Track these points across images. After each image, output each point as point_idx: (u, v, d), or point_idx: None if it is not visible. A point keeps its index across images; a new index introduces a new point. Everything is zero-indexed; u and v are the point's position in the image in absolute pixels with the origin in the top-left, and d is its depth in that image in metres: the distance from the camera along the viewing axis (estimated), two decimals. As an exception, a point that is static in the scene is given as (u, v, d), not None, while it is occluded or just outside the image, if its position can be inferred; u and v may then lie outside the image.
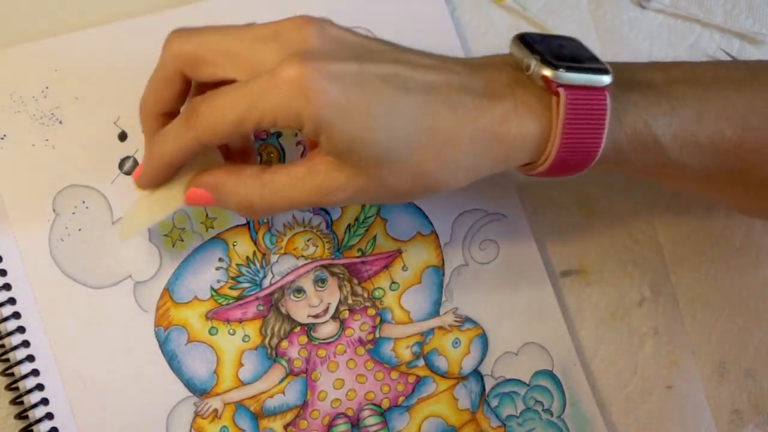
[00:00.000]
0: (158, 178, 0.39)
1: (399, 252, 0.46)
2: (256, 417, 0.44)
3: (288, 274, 0.44)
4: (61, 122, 0.43)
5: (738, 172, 0.39)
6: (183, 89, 0.38)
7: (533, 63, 0.36)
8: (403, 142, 0.35)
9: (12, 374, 0.41)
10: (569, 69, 0.35)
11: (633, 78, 0.38)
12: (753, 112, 0.38)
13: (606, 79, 0.36)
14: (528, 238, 0.47)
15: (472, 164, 0.36)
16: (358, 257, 0.45)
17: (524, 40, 0.37)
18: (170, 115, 0.38)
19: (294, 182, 0.36)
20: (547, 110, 0.36)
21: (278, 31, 0.35)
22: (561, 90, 0.35)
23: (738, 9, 0.53)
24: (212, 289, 0.44)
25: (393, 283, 0.46)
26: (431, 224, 0.46)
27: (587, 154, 0.37)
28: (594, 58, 0.37)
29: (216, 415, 0.43)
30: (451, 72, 0.36)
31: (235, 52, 0.36)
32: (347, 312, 0.45)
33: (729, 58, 0.52)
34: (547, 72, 0.35)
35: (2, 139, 0.43)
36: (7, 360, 0.41)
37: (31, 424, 0.41)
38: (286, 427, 0.44)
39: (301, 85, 0.33)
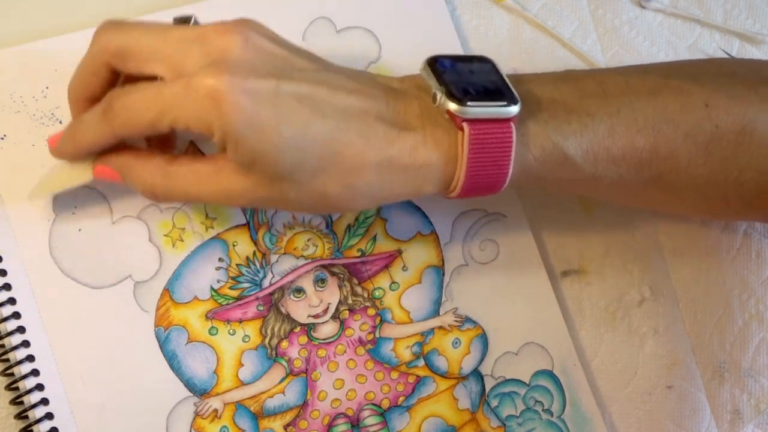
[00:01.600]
0: (72, 158, 0.40)
1: (399, 252, 0.46)
2: (256, 417, 0.44)
3: (288, 274, 0.44)
4: (61, 122, 0.43)
5: (654, 180, 0.40)
6: (110, 78, 0.38)
7: (439, 95, 0.37)
8: (309, 164, 0.36)
9: (12, 374, 0.41)
10: (474, 103, 0.36)
11: (542, 95, 0.39)
12: (664, 121, 0.39)
13: (513, 110, 0.37)
14: (528, 238, 0.47)
15: (376, 192, 0.37)
16: (358, 257, 0.45)
17: (434, 66, 0.38)
18: (96, 100, 0.38)
19: (197, 179, 0.37)
20: (454, 143, 0.37)
21: (203, 35, 0.36)
22: (465, 125, 0.36)
23: (738, 9, 0.52)
24: (212, 289, 0.44)
25: (393, 283, 0.46)
26: (431, 224, 0.46)
27: (495, 181, 0.38)
28: (503, 85, 0.38)
29: (216, 415, 0.43)
30: (369, 98, 0.37)
31: (159, 50, 0.36)
32: (347, 312, 0.45)
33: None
34: (452, 106, 0.36)
35: (2, 139, 0.43)
36: (7, 360, 0.41)
37: (31, 424, 0.41)
38: (286, 427, 0.44)
39: (215, 97, 0.34)
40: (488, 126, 0.36)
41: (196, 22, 0.39)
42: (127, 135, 0.37)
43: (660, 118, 0.39)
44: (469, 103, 0.36)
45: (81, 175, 0.40)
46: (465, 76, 0.38)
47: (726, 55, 0.52)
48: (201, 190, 0.37)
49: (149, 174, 0.38)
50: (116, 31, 0.37)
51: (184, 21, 0.39)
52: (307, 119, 0.35)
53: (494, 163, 0.37)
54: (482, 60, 0.39)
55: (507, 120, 0.37)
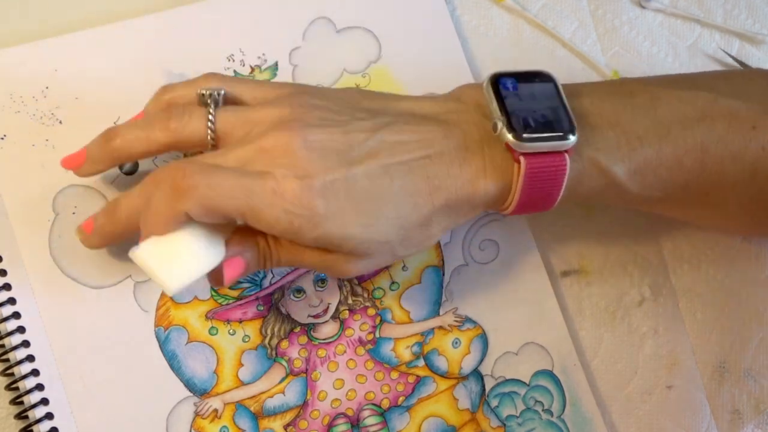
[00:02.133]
0: (114, 241, 0.40)
1: (399, 252, 0.46)
2: (256, 417, 0.44)
3: (288, 274, 0.44)
4: (61, 122, 0.43)
5: (701, 198, 0.41)
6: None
7: (499, 125, 0.37)
8: (395, 227, 0.37)
9: (12, 374, 0.41)
10: (532, 137, 0.37)
11: (597, 114, 0.39)
12: (711, 142, 0.39)
13: (569, 142, 0.37)
14: (528, 238, 0.47)
15: (446, 225, 0.39)
16: (358, 257, 0.45)
17: (496, 87, 0.38)
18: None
19: (303, 251, 0.38)
20: (510, 168, 0.38)
21: (266, 148, 0.36)
22: (522, 158, 0.37)
23: (738, 9, 0.53)
24: (212, 289, 0.44)
25: (393, 283, 0.46)
26: (431, 224, 0.46)
27: (545, 204, 0.39)
28: (563, 113, 0.38)
29: (216, 415, 0.43)
30: (425, 144, 0.38)
31: (236, 197, 0.35)
32: (347, 312, 0.45)
33: (729, 58, 0.52)
34: (511, 140, 0.37)
35: (2, 139, 0.43)
36: (7, 360, 0.41)
37: (31, 424, 0.41)
38: (286, 427, 0.44)
39: (304, 203, 0.35)
40: (544, 159, 0.37)
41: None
42: (203, 218, 0.36)
43: (708, 139, 0.39)
44: (527, 137, 0.37)
45: (213, 259, 0.37)
46: (526, 102, 0.38)
47: (726, 55, 0.52)
48: (304, 260, 0.38)
49: (264, 242, 0.38)
50: (192, 194, 0.35)
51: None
52: (380, 190, 0.36)
53: (547, 192, 0.39)
54: (544, 78, 0.40)
55: (562, 152, 0.38)
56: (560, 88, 0.39)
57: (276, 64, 0.46)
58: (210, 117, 0.37)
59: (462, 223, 0.41)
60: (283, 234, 0.36)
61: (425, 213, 0.37)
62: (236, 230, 0.38)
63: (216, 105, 0.38)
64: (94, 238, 0.40)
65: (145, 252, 0.36)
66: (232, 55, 0.46)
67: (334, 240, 0.36)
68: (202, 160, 0.36)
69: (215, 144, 0.38)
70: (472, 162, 0.38)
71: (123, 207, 0.38)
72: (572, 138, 0.37)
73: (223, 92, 0.38)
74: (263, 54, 0.46)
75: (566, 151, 0.38)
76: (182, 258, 0.36)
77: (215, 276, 0.38)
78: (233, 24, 0.46)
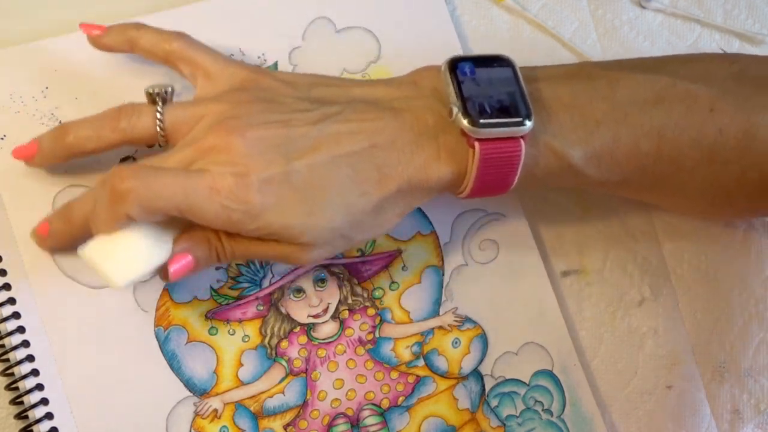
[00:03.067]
0: (69, 245, 0.40)
1: (399, 252, 0.46)
2: (255, 417, 0.44)
3: (288, 273, 0.44)
4: (61, 122, 0.43)
5: (658, 182, 0.41)
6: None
7: (455, 110, 0.38)
8: (341, 215, 0.37)
9: (12, 374, 0.41)
10: (487, 123, 0.37)
11: (555, 98, 0.40)
12: (669, 126, 0.39)
13: (525, 128, 0.38)
14: (528, 238, 0.47)
15: (399, 211, 0.40)
16: (357, 257, 0.45)
17: (454, 72, 0.39)
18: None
19: (256, 243, 0.38)
20: (464, 154, 0.38)
21: (206, 149, 0.37)
22: (477, 144, 0.37)
23: (738, 9, 0.52)
24: (212, 288, 0.44)
25: (393, 282, 0.46)
26: (431, 224, 0.46)
27: (500, 188, 0.40)
28: (520, 98, 0.38)
29: (216, 415, 0.43)
30: (374, 133, 0.38)
31: (177, 192, 0.36)
32: (347, 312, 0.45)
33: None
34: (466, 125, 0.37)
35: (2, 139, 0.43)
36: (7, 360, 0.41)
37: (30, 424, 0.41)
38: (285, 427, 0.44)
39: (240, 197, 0.36)
40: (499, 144, 0.38)
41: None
42: (143, 218, 0.36)
43: (665, 123, 0.39)
44: (482, 122, 0.37)
45: (158, 255, 0.38)
46: (483, 88, 0.38)
47: (726, 55, 0.52)
48: (258, 252, 0.39)
49: (215, 237, 0.38)
50: (129, 197, 0.36)
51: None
52: (324, 181, 0.37)
53: (502, 176, 0.39)
54: (503, 63, 0.40)
55: (517, 138, 0.38)
56: (518, 73, 0.39)
57: (276, 64, 0.46)
58: (158, 115, 0.39)
59: (417, 206, 0.41)
60: (225, 227, 0.37)
61: (375, 201, 0.38)
62: (187, 228, 0.39)
63: (164, 102, 0.39)
64: (49, 241, 0.41)
65: (91, 249, 0.37)
66: (232, 55, 0.46)
67: (275, 230, 0.37)
68: (145, 162, 0.38)
69: (166, 140, 0.39)
70: (425, 148, 0.38)
71: (75, 210, 0.39)
72: (528, 124, 0.37)
73: (170, 89, 0.40)
74: (263, 54, 0.46)
75: (522, 137, 0.38)
76: (127, 254, 0.37)
77: (163, 270, 0.38)
78: (233, 24, 0.46)
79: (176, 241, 0.38)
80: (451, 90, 0.38)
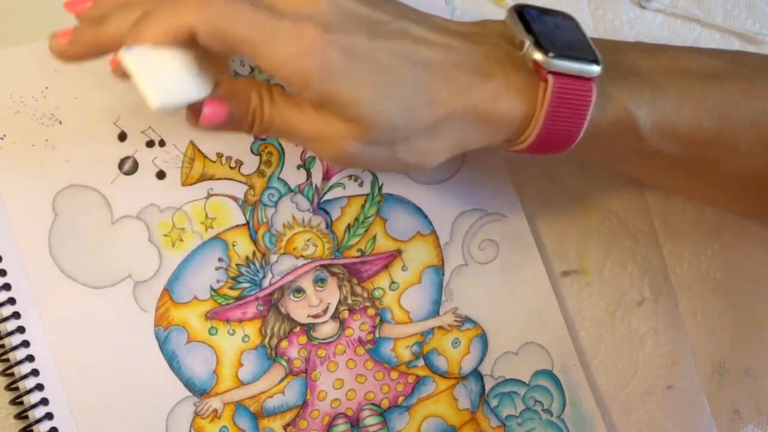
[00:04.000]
0: (88, 56, 0.36)
1: (399, 252, 0.46)
2: (255, 417, 0.44)
3: (288, 274, 0.44)
4: (61, 122, 0.43)
5: (712, 163, 0.40)
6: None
7: (527, 43, 0.36)
8: (406, 113, 0.35)
9: (12, 374, 0.41)
10: (561, 56, 0.36)
11: (620, 63, 0.39)
12: (731, 104, 0.39)
13: (595, 69, 0.36)
14: (528, 238, 0.47)
15: (458, 139, 0.37)
16: (357, 257, 0.45)
17: (521, 14, 0.38)
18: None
19: (297, 115, 0.36)
20: (534, 93, 0.36)
21: (286, 5, 0.34)
22: (550, 77, 0.36)
23: (738, 9, 0.52)
24: (212, 289, 0.44)
25: (393, 283, 0.46)
26: (431, 224, 0.46)
27: (566, 139, 0.38)
28: (586, 44, 0.38)
29: (216, 415, 0.43)
30: (449, 49, 0.36)
31: (254, 37, 0.34)
32: (347, 312, 0.45)
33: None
34: (539, 57, 0.36)
35: (2, 139, 0.43)
36: (7, 360, 0.41)
37: (30, 424, 0.41)
38: (285, 427, 0.44)
39: (320, 50, 0.33)
40: (571, 81, 0.36)
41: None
42: (208, 36, 0.33)
43: (727, 101, 0.39)
44: (555, 56, 0.36)
45: (200, 86, 0.35)
46: (551, 29, 0.37)
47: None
48: (298, 127, 0.36)
49: (257, 99, 0.36)
50: (207, 9, 0.33)
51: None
52: (400, 71, 0.35)
53: (571, 120, 0.37)
54: (566, 17, 0.39)
55: (589, 79, 0.36)
56: (581, 26, 0.39)
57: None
58: None
59: (470, 147, 0.38)
60: (287, 79, 0.34)
61: (439, 115, 0.36)
62: (231, 80, 0.37)
63: None
64: (69, 47, 0.36)
65: (136, 57, 0.33)
66: (233, 60, 0.46)
67: (342, 99, 0.34)
68: None
69: None
70: (495, 78, 0.36)
71: (114, 18, 0.35)
72: (597, 68, 0.36)
73: None
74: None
75: (592, 79, 0.36)
76: (171, 75, 0.34)
77: (194, 111, 0.36)
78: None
79: (217, 85, 0.36)
80: (520, 26, 0.37)
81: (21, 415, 0.41)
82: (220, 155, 0.44)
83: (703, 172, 0.41)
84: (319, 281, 0.45)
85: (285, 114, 0.36)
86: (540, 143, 0.37)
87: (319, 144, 0.36)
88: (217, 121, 0.36)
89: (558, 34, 0.37)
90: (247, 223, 0.44)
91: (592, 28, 0.51)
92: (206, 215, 0.44)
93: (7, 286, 0.41)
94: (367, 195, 0.46)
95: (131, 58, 0.33)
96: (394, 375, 0.45)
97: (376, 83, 0.34)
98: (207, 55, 0.35)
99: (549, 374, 0.47)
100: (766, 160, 0.40)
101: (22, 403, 0.41)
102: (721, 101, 0.39)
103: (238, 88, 0.36)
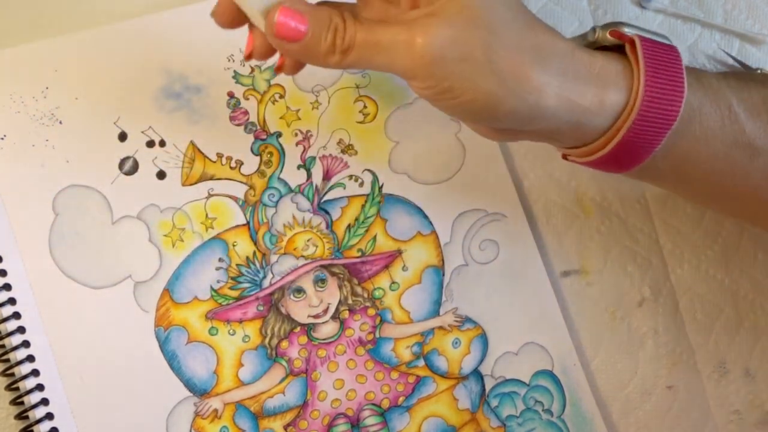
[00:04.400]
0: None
1: (399, 252, 0.46)
2: (256, 417, 0.43)
3: (288, 274, 0.44)
4: (61, 122, 0.43)
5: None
6: None
7: (598, 29, 0.36)
8: (509, 37, 0.33)
9: (12, 374, 0.41)
10: (632, 25, 0.36)
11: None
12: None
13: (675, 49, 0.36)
14: (528, 238, 0.47)
15: (559, 95, 0.34)
16: (358, 257, 0.45)
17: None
18: None
19: (383, 28, 0.34)
20: (627, 67, 0.35)
21: None
22: (636, 38, 0.35)
23: (738, 9, 0.52)
24: (212, 289, 0.44)
25: (393, 283, 0.46)
26: (431, 224, 0.46)
27: (672, 100, 0.35)
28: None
29: (216, 415, 0.43)
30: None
31: None
32: (347, 312, 0.45)
33: (729, 59, 0.52)
34: (616, 26, 0.36)
35: (2, 139, 0.43)
36: (8, 360, 0.41)
37: (31, 424, 0.41)
38: (286, 427, 0.44)
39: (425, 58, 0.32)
40: (657, 45, 0.36)
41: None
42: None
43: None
44: (626, 27, 0.36)
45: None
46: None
47: (726, 56, 0.52)
48: (383, 37, 0.34)
49: (339, 16, 0.34)
50: None
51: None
52: (505, 14, 0.33)
53: (671, 80, 0.35)
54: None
55: (672, 46, 0.36)
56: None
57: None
58: None
59: (556, 125, 0.35)
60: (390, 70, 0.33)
61: (547, 53, 0.34)
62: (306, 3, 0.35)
63: None
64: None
65: None
66: (232, 55, 0.46)
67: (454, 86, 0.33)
68: None
69: None
70: (586, 54, 0.35)
71: None
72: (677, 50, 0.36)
73: None
74: (263, 54, 0.46)
75: (674, 47, 0.36)
76: None
77: (271, 24, 0.34)
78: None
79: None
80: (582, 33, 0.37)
81: (21, 416, 0.41)
82: (220, 155, 0.44)
83: None
84: (320, 281, 0.45)
85: (368, 27, 0.34)
86: (647, 112, 0.35)
87: (408, 52, 0.33)
88: (292, 36, 0.33)
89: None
90: (248, 223, 0.44)
91: (592, 28, 0.51)
92: (206, 215, 0.44)
93: (7, 287, 0.41)
94: (368, 195, 0.46)
95: None
96: (395, 375, 0.45)
97: (477, 26, 0.32)
98: None
99: (549, 374, 0.47)
100: None
101: (22, 403, 0.41)
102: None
103: (315, 7, 0.34)
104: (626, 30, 0.36)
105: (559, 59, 0.34)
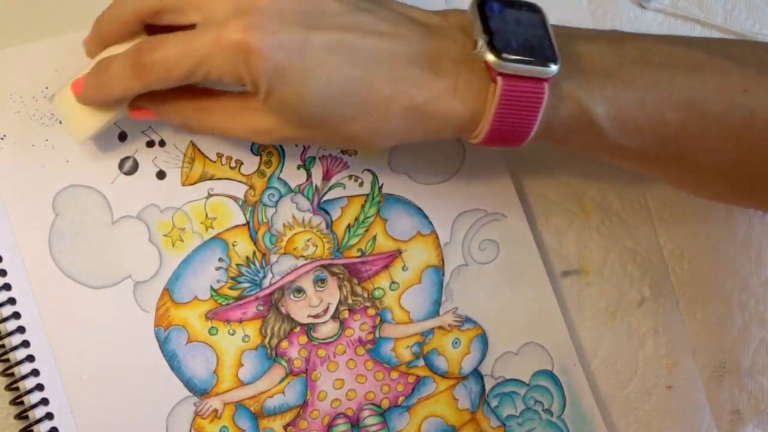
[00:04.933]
0: (101, 106, 0.40)
1: (399, 252, 0.46)
2: (256, 417, 0.44)
3: (288, 274, 0.44)
4: (61, 122, 0.43)
5: (679, 157, 0.39)
6: (139, 29, 0.39)
7: (480, 42, 0.36)
8: (338, 112, 0.36)
9: (12, 374, 0.41)
10: (515, 57, 0.36)
11: (584, 54, 0.38)
12: (699, 99, 0.38)
13: (551, 70, 0.36)
14: (528, 238, 0.47)
15: (400, 135, 0.38)
16: (357, 257, 0.45)
17: (482, 9, 0.37)
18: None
19: (229, 114, 0.39)
20: (484, 93, 0.36)
21: None
22: (499, 78, 0.36)
23: (738, 9, 0.52)
24: (212, 289, 0.44)
25: (393, 283, 0.46)
26: (431, 224, 0.46)
27: (518, 136, 0.37)
28: (547, 42, 0.37)
29: (216, 415, 0.43)
30: (401, 40, 0.36)
31: (192, 3, 0.36)
32: (347, 312, 0.45)
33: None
34: (490, 58, 0.36)
35: (2, 139, 0.43)
36: (7, 360, 0.41)
37: (31, 424, 0.41)
38: (286, 427, 0.44)
39: (244, 51, 0.34)
40: (522, 83, 0.36)
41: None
42: (160, 87, 0.37)
43: (695, 96, 0.38)
44: (507, 56, 0.35)
45: (115, 112, 0.40)
46: (511, 26, 0.37)
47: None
48: (232, 125, 0.39)
49: (182, 108, 0.39)
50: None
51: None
52: (336, 69, 0.35)
53: (521, 120, 0.37)
54: (532, 9, 0.38)
55: (542, 80, 0.36)
56: (547, 20, 0.38)
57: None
58: None
59: (411, 141, 0.39)
60: (229, 82, 0.36)
61: (378, 112, 0.36)
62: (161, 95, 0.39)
63: None
64: (82, 100, 0.40)
65: (60, 99, 0.40)
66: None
67: (273, 96, 0.36)
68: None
69: None
70: (443, 77, 0.36)
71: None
72: (554, 67, 0.36)
73: None
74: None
75: (546, 80, 0.36)
76: (90, 110, 0.39)
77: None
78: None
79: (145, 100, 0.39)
80: (478, 23, 0.36)
81: (21, 415, 0.41)
82: (220, 155, 0.44)
83: (671, 163, 0.40)
84: (320, 281, 0.45)
85: (216, 121, 0.39)
86: (491, 140, 0.37)
87: (261, 137, 0.39)
88: (146, 118, 0.40)
89: (517, 31, 0.37)
90: (248, 223, 0.44)
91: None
92: (206, 215, 0.44)
93: (7, 286, 0.41)
94: (368, 195, 0.46)
95: (55, 102, 0.40)
96: (395, 375, 0.45)
97: (304, 81, 0.35)
98: None
99: (549, 374, 0.47)
100: (736, 154, 0.39)
101: (22, 403, 0.41)
102: (688, 95, 0.38)
103: (167, 102, 0.39)
104: (503, 64, 0.36)
105: (401, 117, 0.37)
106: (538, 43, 0.37)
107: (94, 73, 0.39)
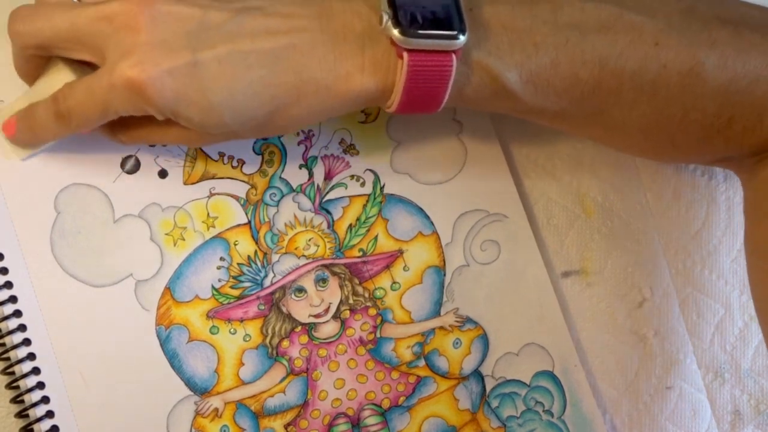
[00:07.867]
0: (35, 147, 0.42)
1: (400, 252, 0.46)
2: (256, 416, 0.43)
3: (289, 273, 0.44)
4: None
5: (597, 115, 0.39)
6: (45, 58, 0.39)
7: (385, 18, 0.36)
8: (250, 113, 0.37)
9: (13, 373, 0.41)
10: (419, 33, 0.35)
11: (493, 19, 0.38)
12: (611, 56, 0.38)
13: (458, 42, 0.36)
14: (529, 239, 0.47)
15: (313, 117, 0.38)
16: (359, 257, 0.45)
17: None
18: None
19: (153, 130, 0.40)
20: (393, 66, 0.37)
21: (110, 16, 0.36)
22: (405, 54, 0.36)
23: (738, 11, 0.53)
24: (213, 288, 0.44)
25: (394, 283, 0.46)
26: (432, 224, 0.46)
27: (430, 105, 0.38)
28: (456, 12, 0.36)
29: (216, 414, 0.43)
30: (296, 31, 0.36)
31: (75, 37, 0.37)
32: (348, 312, 0.45)
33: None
34: (395, 34, 0.35)
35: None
36: (8, 359, 0.41)
37: (31, 423, 0.41)
38: (286, 426, 0.44)
39: (137, 88, 0.35)
40: (429, 57, 0.36)
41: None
42: (88, 129, 0.39)
43: (607, 53, 0.38)
44: (412, 32, 0.35)
45: None
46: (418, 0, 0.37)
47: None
48: (161, 137, 0.40)
49: (112, 124, 0.39)
50: (26, 22, 0.37)
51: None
52: (233, 78, 0.36)
53: (431, 92, 0.37)
54: None
55: (449, 52, 0.36)
56: None
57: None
58: None
59: (330, 115, 0.39)
60: (140, 113, 0.37)
61: (288, 102, 0.37)
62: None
63: None
64: (15, 143, 0.42)
65: None
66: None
67: (180, 116, 0.36)
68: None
69: None
70: (349, 56, 0.36)
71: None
72: (461, 39, 0.36)
73: None
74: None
75: (454, 52, 0.36)
76: None
77: None
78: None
79: None
80: None
81: (22, 414, 0.41)
82: (222, 154, 0.44)
83: (591, 121, 0.40)
84: (321, 281, 0.45)
85: (144, 135, 0.40)
86: (403, 109, 0.38)
87: (191, 144, 0.42)
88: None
89: (424, 4, 0.36)
90: (249, 222, 0.44)
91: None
92: (208, 214, 0.44)
93: (8, 285, 0.41)
94: (369, 195, 0.46)
95: None
96: (395, 375, 0.45)
97: (203, 99, 0.36)
98: None
99: (550, 375, 0.47)
100: (653, 109, 0.39)
101: (23, 401, 0.41)
102: (600, 53, 0.38)
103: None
104: (408, 40, 0.36)
105: (313, 99, 0.37)
106: (446, 13, 0.36)
107: (23, 120, 0.40)
